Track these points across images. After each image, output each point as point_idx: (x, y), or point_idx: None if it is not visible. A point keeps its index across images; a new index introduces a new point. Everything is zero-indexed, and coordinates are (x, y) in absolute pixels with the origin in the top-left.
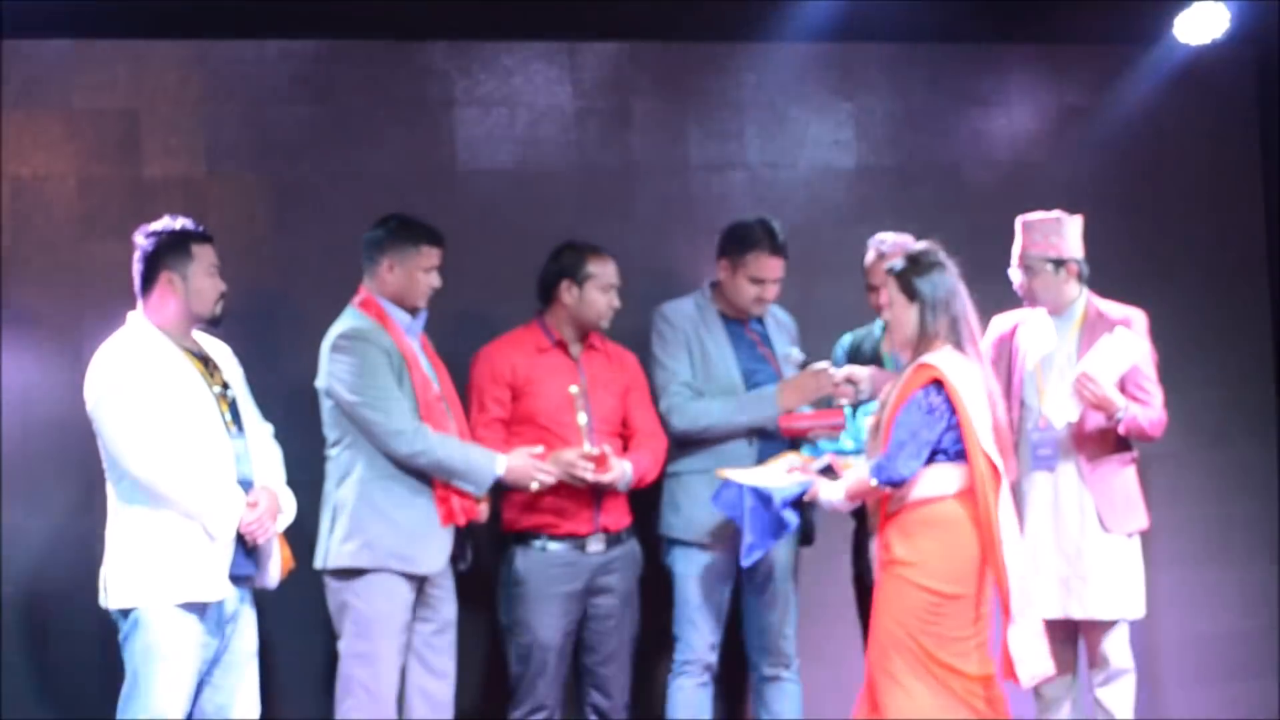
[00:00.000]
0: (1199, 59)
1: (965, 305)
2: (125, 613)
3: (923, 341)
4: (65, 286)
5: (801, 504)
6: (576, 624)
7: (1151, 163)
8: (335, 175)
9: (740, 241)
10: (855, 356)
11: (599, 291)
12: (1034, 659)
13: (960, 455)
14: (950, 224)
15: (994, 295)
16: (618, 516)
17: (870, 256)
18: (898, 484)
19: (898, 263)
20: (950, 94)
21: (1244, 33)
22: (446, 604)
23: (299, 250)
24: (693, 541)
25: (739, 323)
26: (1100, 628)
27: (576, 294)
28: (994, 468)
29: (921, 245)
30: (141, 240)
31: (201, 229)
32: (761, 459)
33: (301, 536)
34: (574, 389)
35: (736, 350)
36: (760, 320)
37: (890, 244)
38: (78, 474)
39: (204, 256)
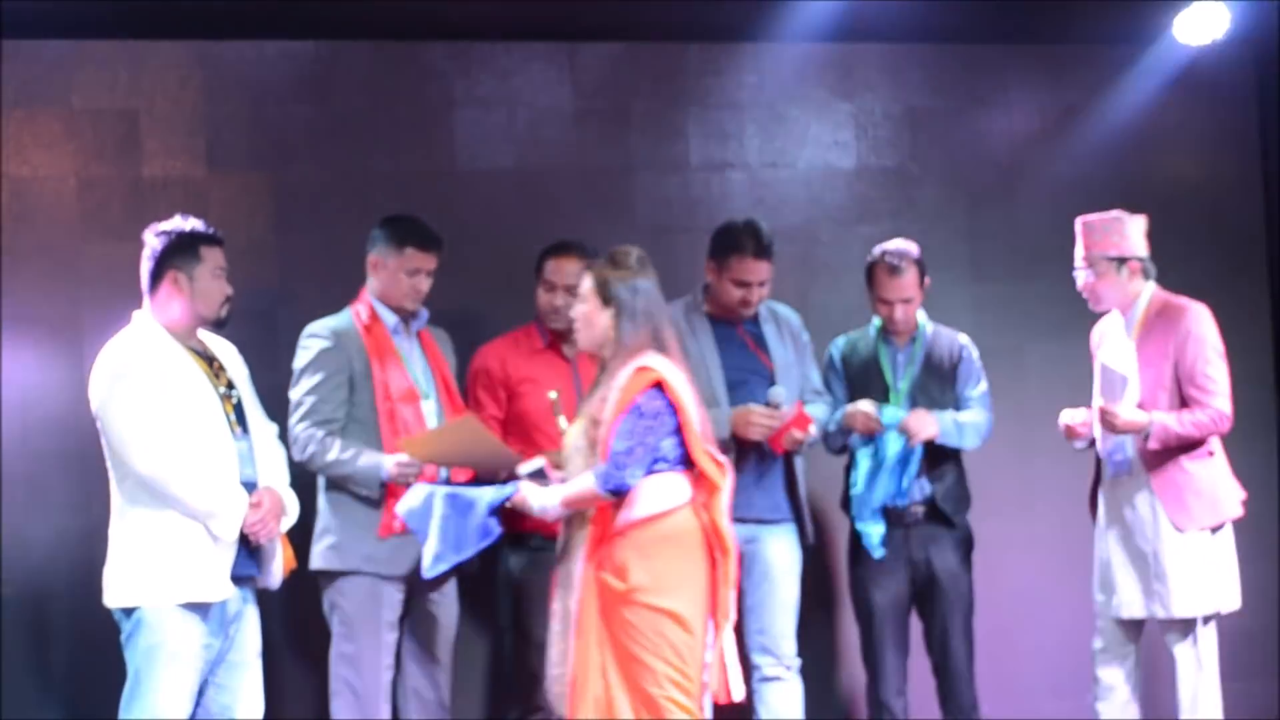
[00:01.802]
0: (1199, 59)
1: (665, 310)
2: (128, 612)
3: (621, 347)
4: (65, 286)
5: (504, 510)
6: None
7: (1151, 163)
8: (335, 175)
9: (724, 244)
10: (850, 359)
11: (542, 289)
12: (736, 670)
13: (681, 462)
14: (950, 224)
15: (994, 295)
16: None
17: (903, 266)
18: (623, 493)
19: (600, 261)
20: (950, 94)
21: (1244, 33)
22: (444, 605)
23: (299, 250)
24: None
25: (731, 324)
26: (1178, 626)
27: (539, 294)
28: (719, 471)
29: (624, 249)
30: (151, 239)
31: (212, 231)
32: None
33: (303, 537)
34: (553, 394)
35: (725, 354)
36: (756, 320)
37: (895, 250)
38: (78, 474)
39: (211, 259)
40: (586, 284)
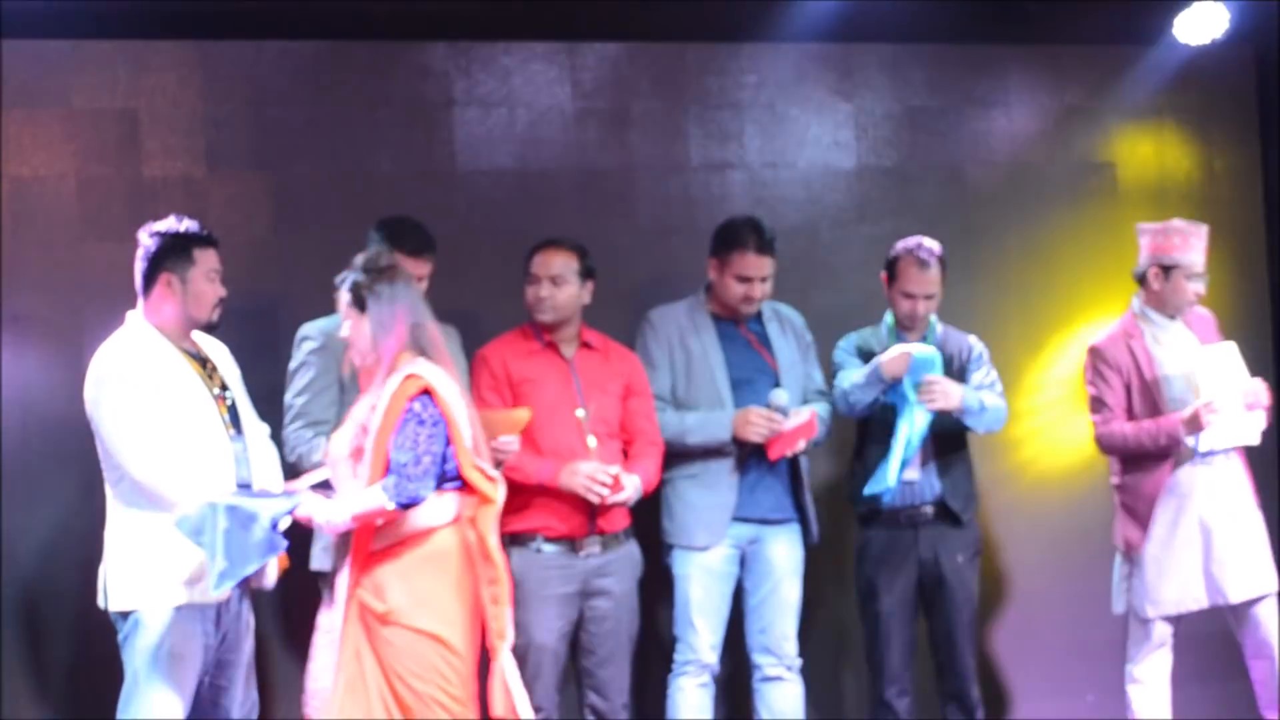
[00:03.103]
0: (1199, 58)
1: (426, 313)
2: (125, 615)
3: (383, 354)
4: (65, 286)
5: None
6: (573, 626)
7: (1151, 163)
8: (335, 175)
9: (727, 240)
10: (862, 356)
11: (529, 284)
12: (521, 690)
13: (447, 477)
14: (950, 224)
15: (994, 295)
16: (615, 518)
17: (931, 262)
18: (416, 505)
19: (351, 274)
20: (950, 94)
21: (1244, 33)
22: None
23: (299, 250)
24: (688, 545)
25: (734, 323)
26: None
27: (527, 290)
28: (491, 487)
29: (373, 251)
30: (145, 239)
31: (206, 232)
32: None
33: (302, 537)
34: (580, 413)
35: (728, 353)
36: (759, 319)
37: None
38: (78, 474)
39: (205, 261)
40: (341, 299)
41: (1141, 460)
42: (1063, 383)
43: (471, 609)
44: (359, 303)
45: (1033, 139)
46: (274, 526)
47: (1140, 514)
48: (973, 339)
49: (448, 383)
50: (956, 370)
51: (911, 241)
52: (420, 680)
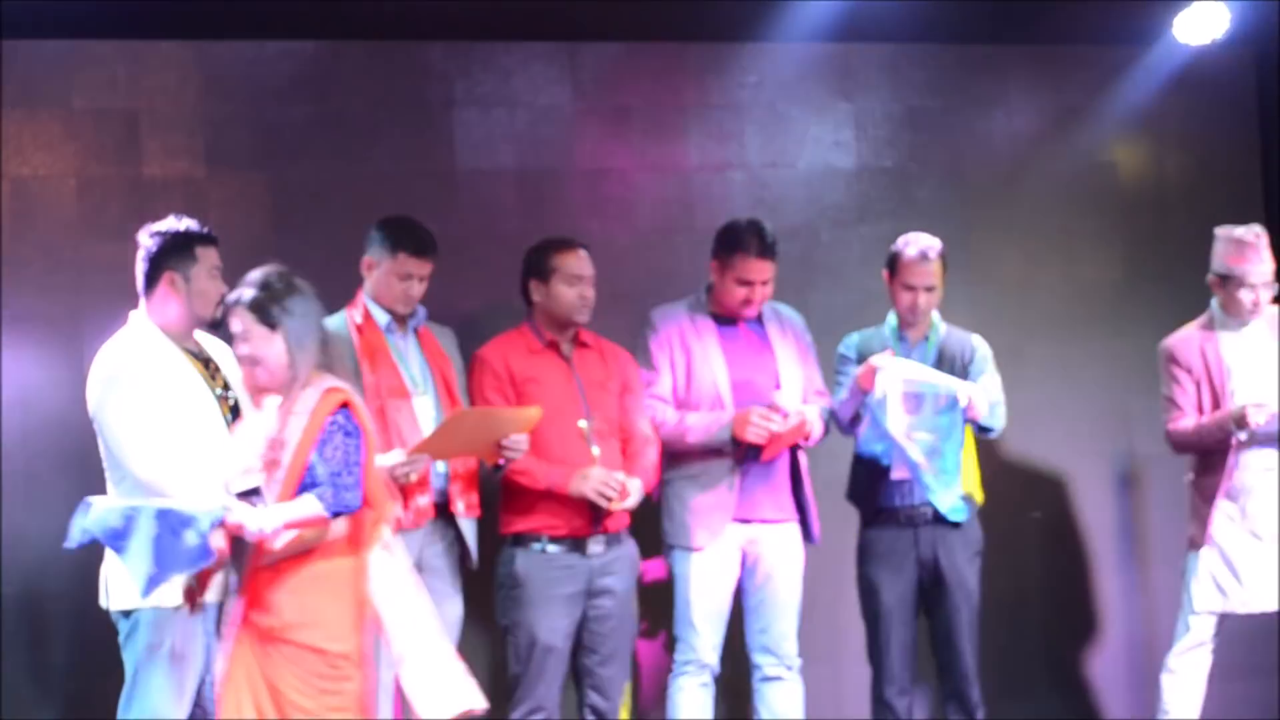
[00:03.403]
0: (1199, 59)
1: (326, 327)
2: (126, 614)
3: (300, 371)
4: (65, 287)
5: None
6: (577, 625)
7: (1151, 163)
8: (335, 175)
9: (728, 243)
10: (863, 357)
11: (565, 285)
12: (443, 691)
13: None
14: (950, 224)
15: (994, 295)
16: (617, 517)
17: (931, 255)
18: (349, 513)
19: (247, 293)
20: (950, 94)
21: (1244, 33)
22: (446, 604)
23: (299, 250)
24: (688, 545)
25: (734, 324)
26: None
27: (544, 291)
28: (387, 506)
29: (270, 269)
30: (145, 240)
31: (206, 230)
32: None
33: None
34: (583, 423)
35: (728, 354)
36: (760, 320)
37: (925, 239)
38: (78, 474)
39: (207, 258)
40: (243, 318)
41: (1206, 460)
42: (1062, 382)
43: (361, 625)
44: (269, 322)
45: (1033, 139)
46: (208, 533)
47: (1202, 513)
48: (976, 339)
49: (359, 399)
50: (959, 371)
51: (911, 235)
52: (306, 697)
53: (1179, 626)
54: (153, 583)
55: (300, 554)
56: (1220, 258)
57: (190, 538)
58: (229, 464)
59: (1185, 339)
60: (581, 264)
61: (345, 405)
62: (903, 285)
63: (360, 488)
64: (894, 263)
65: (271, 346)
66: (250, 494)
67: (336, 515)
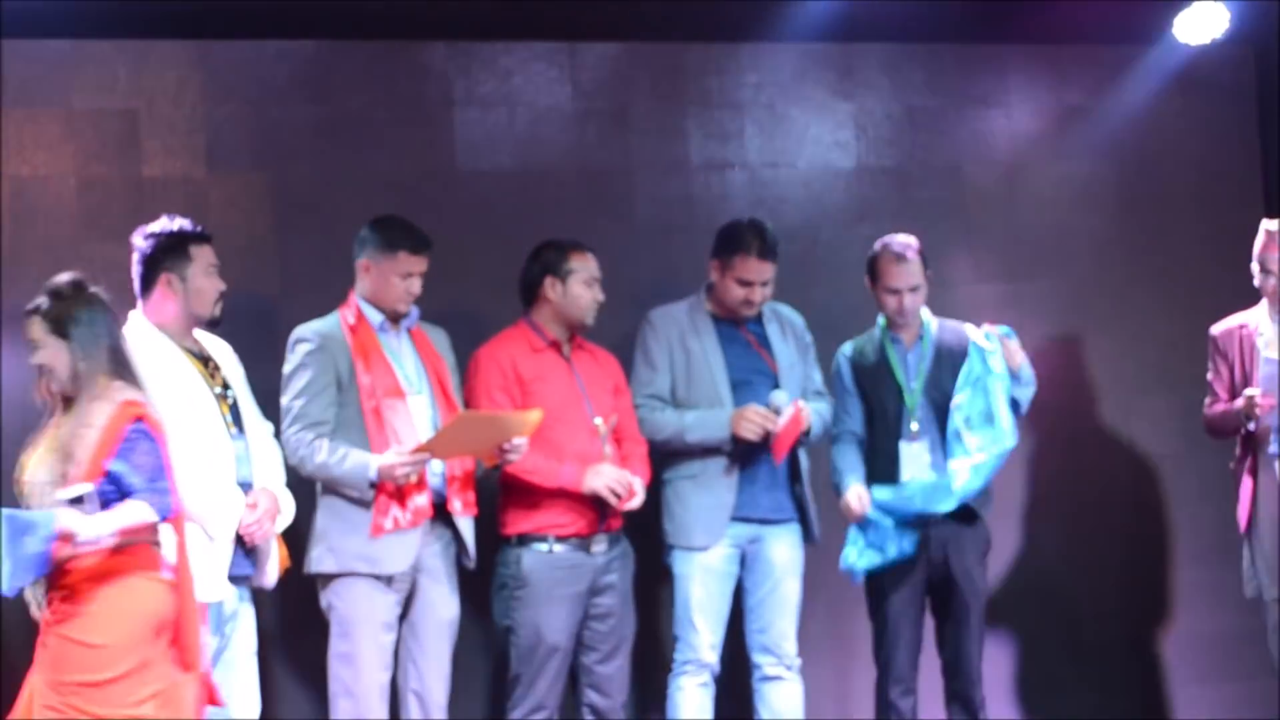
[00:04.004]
0: (1199, 59)
1: (123, 336)
2: None
3: (88, 381)
4: None
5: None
6: (579, 624)
7: (1151, 163)
8: (335, 175)
9: (729, 243)
10: (859, 364)
11: (582, 286)
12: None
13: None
14: (950, 224)
15: (994, 295)
16: (618, 516)
17: (909, 255)
18: (173, 516)
19: (42, 301)
20: (950, 94)
21: (1244, 33)
22: (444, 604)
23: (299, 250)
24: (688, 545)
25: (734, 324)
26: None
27: (560, 290)
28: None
29: (65, 277)
30: (140, 242)
31: (199, 229)
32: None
33: (300, 537)
34: (598, 421)
35: (728, 354)
36: (759, 320)
37: (899, 240)
38: None
39: (202, 257)
40: (36, 327)
41: (1243, 447)
42: (1064, 381)
43: (149, 630)
44: (61, 331)
45: (1033, 139)
46: (52, 540)
47: (1243, 500)
48: (968, 327)
49: (157, 408)
50: (959, 360)
51: (886, 239)
52: (60, 687)
53: (1267, 616)
54: (13, 579)
55: (101, 564)
56: (1258, 249)
57: (30, 544)
58: (29, 474)
59: (1228, 326)
60: (595, 267)
61: (142, 418)
62: (886, 289)
63: (173, 493)
64: (873, 268)
65: (60, 355)
66: (77, 501)
67: (164, 518)
